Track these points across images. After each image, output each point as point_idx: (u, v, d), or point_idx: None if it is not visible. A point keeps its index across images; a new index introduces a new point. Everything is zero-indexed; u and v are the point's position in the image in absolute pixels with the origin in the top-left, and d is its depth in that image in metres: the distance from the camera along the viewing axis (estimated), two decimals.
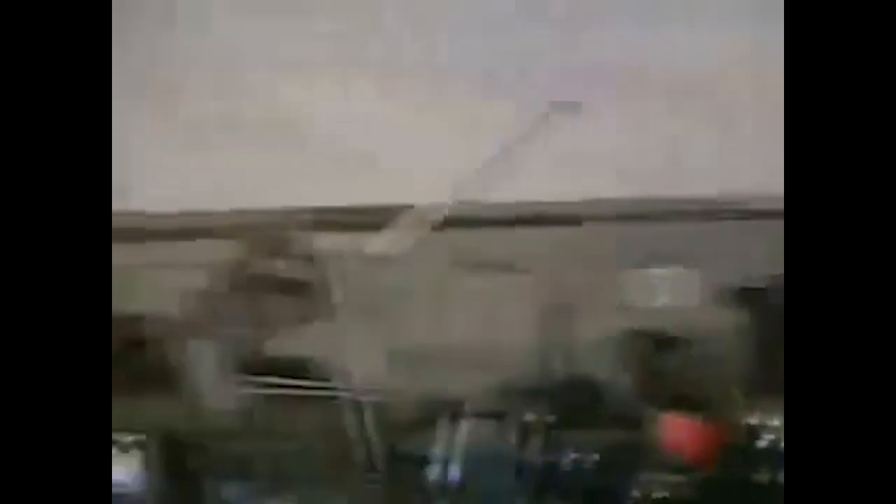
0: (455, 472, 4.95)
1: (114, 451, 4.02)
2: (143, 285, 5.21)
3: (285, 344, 5.47)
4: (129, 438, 4.37)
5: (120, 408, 4.61)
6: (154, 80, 5.34)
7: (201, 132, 5.45)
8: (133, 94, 4.90)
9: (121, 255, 5.10)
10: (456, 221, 5.40)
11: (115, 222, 4.87)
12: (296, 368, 5.49)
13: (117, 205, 5.11)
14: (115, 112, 4.92)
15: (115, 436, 4.12)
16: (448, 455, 4.82)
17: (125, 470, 4.30)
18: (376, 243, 5.49)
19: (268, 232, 5.72)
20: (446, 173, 5.33)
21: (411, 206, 5.33)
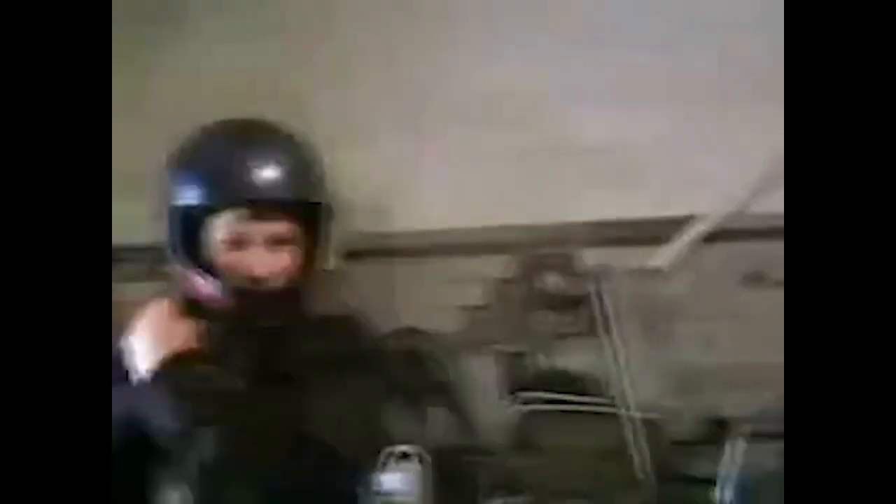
0: (730, 494, 4.12)
1: (388, 460, 3.59)
2: (418, 301, 4.73)
3: (559, 360, 4.81)
4: (404, 449, 3.93)
5: (398, 420, 3.86)
6: (431, 105, 4.87)
7: (475, 151, 4.97)
8: (409, 118, 4.37)
9: (399, 271, 4.53)
10: (730, 234, 4.57)
11: (391, 241, 4.69)
12: (570, 384, 4.80)
13: (389, 224, 4.73)
14: (386, 133, 4.60)
15: (389, 446, 3.68)
16: (725, 476, 4.01)
17: (399, 477, 3.87)
18: (651, 257, 4.74)
19: (542, 247, 5.07)
20: (719, 184, 4.51)
21: (686, 219, 4.56)
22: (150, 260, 4.31)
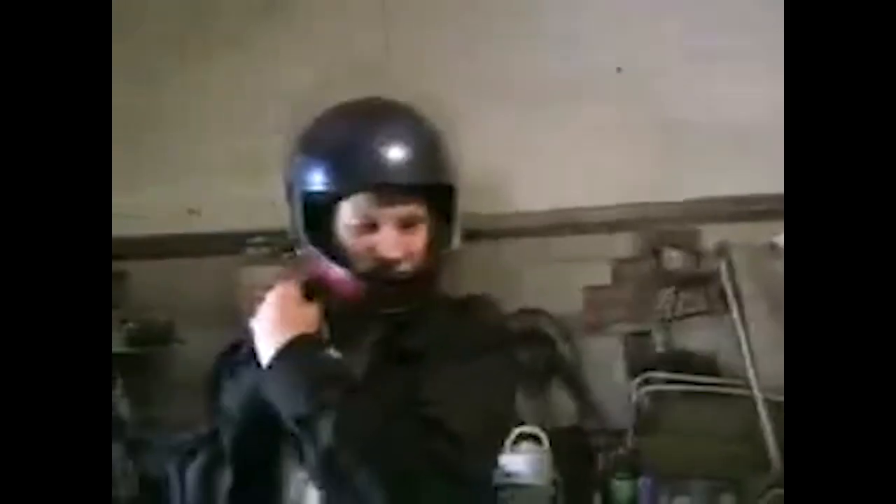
0: None
1: (514, 442, 3.57)
2: (541, 282, 4.68)
3: (684, 339, 4.69)
4: (529, 430, 3.92)
5: (520, 401, 4.22)
6: (548, 83, 4.79)
7: (594, 128, 4.88)
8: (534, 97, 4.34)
9: (522, 251, 4.52)
10: None
11: (511, 221, 4.64)
12: (695, 364, 4.70)
13: (510, 204, 4.69)
14: (504, 112, 4.52)
15: (515, 428, 3.70)
16: None
17: (524, 459, 3.86)
18: (779, 233, 4.54)
19: (665, 224, 4.95)
20: None
21: None
22: (274, 244, 4.45)
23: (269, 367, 1.52)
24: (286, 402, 1.49)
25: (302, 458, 1.51)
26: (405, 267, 1.60)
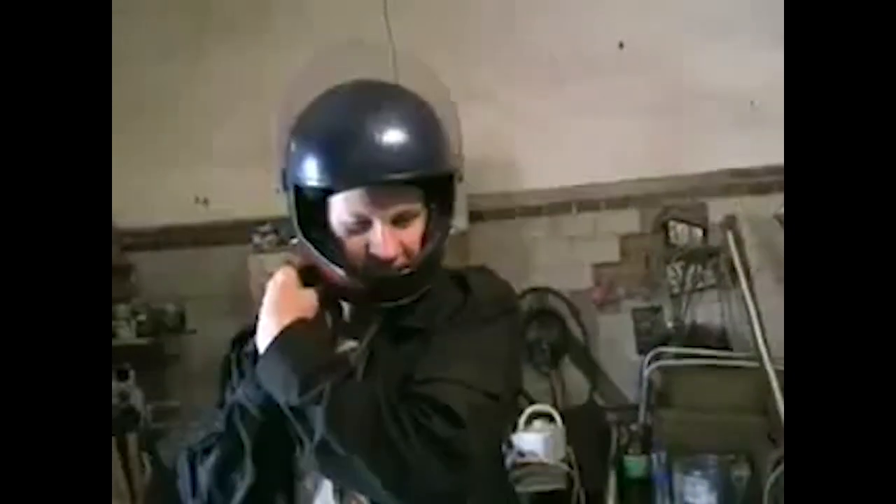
0: None
1: (522, 420, 3.57)
2: (551, 259, 4.64)
3: (694, 313, 4.68)
4: (540, 409, 3.90)
5: (532, 380, 4.41)
6: (556, 59, 4.72)
7: (599, 105, 4.81)
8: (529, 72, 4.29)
9: (530, 229, 4.51)
10: None
11: (520, 200, 4.62)
12: (705, 338, 4.68)
13: (519, 182, 4.67)
14: (511, 89, 4.54)
15: (525, 407, 3.71)
16: None
17: (536, 437, 3.84)
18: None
19: (673, 199, 4.90)
20: None
21: None
22: (281, 231, 4.44)
23: (265, 354, 1.50)
24: (280, 391, 1.47)
25: (301, 444, 1.50)
26: (401, 262, 1.55)
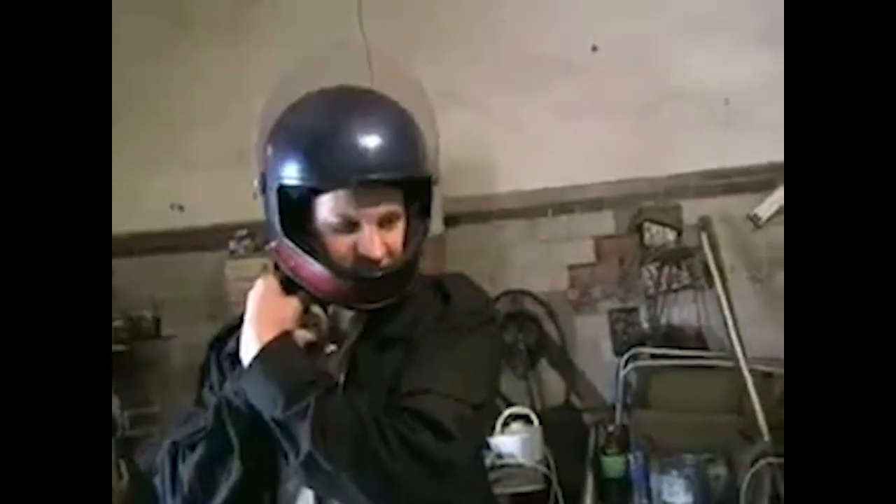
0: None
1: (500, 423, 3.56)
2: (526, 262, 4.66)
3: (670, 314, 4.70)
4: (518, 411, 3.90)
5: (510, 382, 4.42)
6: (531, 62, 4.74)
7: (575, 107, 4.83)
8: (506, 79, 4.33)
9: (507, 232, 4.51)
10: None
11: (499, 201, 4.63)
12: (682, 338, 4.71)
13: (494, 185, 4.68)
14: (487, 93, 4.54)
15: (504, 409, 3.69)
16: None
17: (514, 440, 3.84)
18: (761, 205, 4.54)
19: (648, 200, 4.93)
20: None
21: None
22: (258, 237, 4.43)
23: (249, 368, 1.50)
24: (264, 405, 1.47)
25: (286, 457, 1.50)
26: (386, 263, 1.56)
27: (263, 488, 1.57)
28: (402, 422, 1.43)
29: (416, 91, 1.81)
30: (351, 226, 1.55)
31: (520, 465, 3.64)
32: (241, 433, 1.52)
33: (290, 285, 1.56)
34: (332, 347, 1.57)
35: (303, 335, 1.54)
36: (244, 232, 4.28)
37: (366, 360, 1.57)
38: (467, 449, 1.53)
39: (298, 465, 1.41)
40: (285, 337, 1.50)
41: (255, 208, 1.66)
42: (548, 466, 3.68)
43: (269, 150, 1.57)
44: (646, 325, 4.26)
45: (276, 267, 1.60)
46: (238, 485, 1.53)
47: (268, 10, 4.51)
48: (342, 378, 1.54)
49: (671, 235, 4.33)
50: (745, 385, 3.55)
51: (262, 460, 1.54)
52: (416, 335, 1.57)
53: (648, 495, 3.55)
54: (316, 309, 1.57)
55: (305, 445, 1.42)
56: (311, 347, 1.55)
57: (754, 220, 3.97)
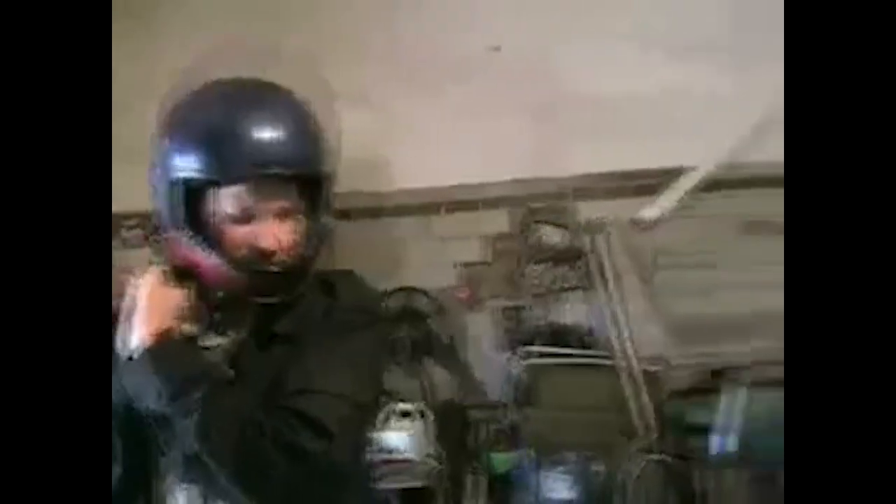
0: (733, 442, 4.09)
1: (391, 418, 3.58)
2: (417, 259, 4.68)
3: (558, 313, 4.77)
4: (405, 407, 3.90)
5: (399, 378, 4.44)
6: (427, 63, 4.73)
7: (472, 107, 4.85)
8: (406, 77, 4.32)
9: (400, 228, 4.49)
10: (727, 183, 4.51)
11: (393, 198, 4.62)
12: (569, 338, 4.78)
13: (387, 182, 4.67)
14: (383, 91, 4.50)
15: (392, 404, 3.70)
16: (727, 424, 3.98)
17: (400, 435, 3.84)
18: (647, 208, 4.66)
19: (539, 201, 5.00)
20: (717, 135, 4.43)
21: (681, 169, 4.48)
22: (147, 227, 4.34)
23: (134, 361, 1.47)
24: (147, 400, 1.46)
25: (163, 453, 1.48)
26: (282, 257, 1.55)
27: (139, 485, 1.55)
28: (283, 421, 1.43)
29: (320, 85, 1.80)
30: (248, 218, 1.53)
31: (406, 461, 3.64)
32: (118, 432, 1.51)
33: (180, 277, 1.54)
34: (218, 341, 1.55)
35: (189, 329, 1.53)
36: (133, 222, 4.20)
37: (252, 355, 1.55)
38: (347, 448, 1.53)
39: (182, 461, 1.39)
40: (171, 330, 1.48)
41: (144, 199, 1.63)
42: (438, 461, 3.69)
43: (166, 142, 1.55)
44: (535, 324, 4.30)
45: (166, 258, 1.58)
46: (118, 483, 1.52)
47: (174, 8, 4.41)
48: (229, 373, 1.52)
49: (564, 236, 4.38)
50: (629, 384, 3.63)
51: (138, 456, 1.53)
52: (302, 332, 1.56)
53: (535, 492, 3.59)
54: (203, 301, 1.56)
55: (188, 441, 1.40)
56: (196, 340, 1.54)
57: (639, 222, 4.07)
